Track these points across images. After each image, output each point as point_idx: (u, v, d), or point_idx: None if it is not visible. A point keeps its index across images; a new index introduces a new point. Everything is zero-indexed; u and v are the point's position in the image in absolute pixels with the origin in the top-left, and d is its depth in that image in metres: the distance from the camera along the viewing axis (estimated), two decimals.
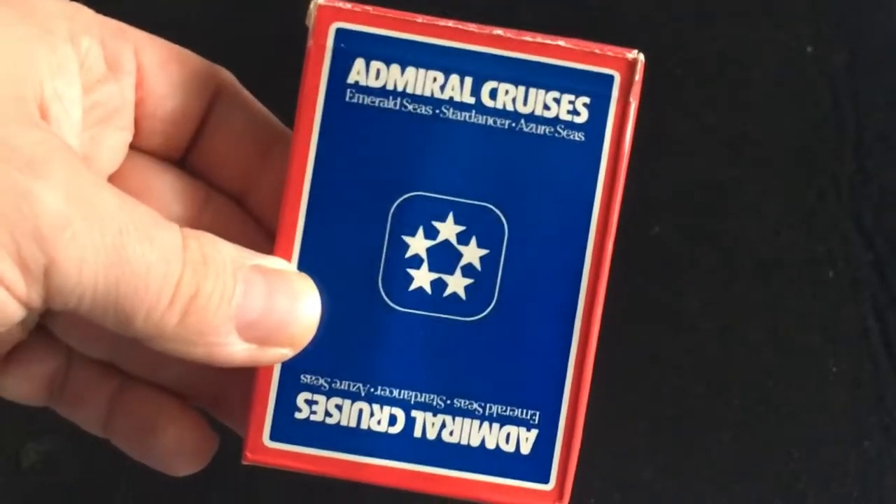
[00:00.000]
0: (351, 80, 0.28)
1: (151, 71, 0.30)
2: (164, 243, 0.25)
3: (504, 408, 0.29)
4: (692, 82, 0.47)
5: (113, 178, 0.30)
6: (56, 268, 0.24)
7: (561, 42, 0.29)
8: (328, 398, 0.29)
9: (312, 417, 0.29)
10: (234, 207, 0.32)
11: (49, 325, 0.31)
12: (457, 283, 0.29)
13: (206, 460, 0.31)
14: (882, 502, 0.45)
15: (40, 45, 0.27)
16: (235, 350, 0.27)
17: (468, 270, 0.29)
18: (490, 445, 0.29)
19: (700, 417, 0.45)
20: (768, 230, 0.46)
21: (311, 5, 0.29)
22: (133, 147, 0.31)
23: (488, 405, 0.29)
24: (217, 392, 0.32)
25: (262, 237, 0.31)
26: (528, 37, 0.29)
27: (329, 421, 0.29)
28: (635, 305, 0.46)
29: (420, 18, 0.28)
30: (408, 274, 0.29)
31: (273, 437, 0.29)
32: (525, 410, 0.29)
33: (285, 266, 0.28)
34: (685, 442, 0.45)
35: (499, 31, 0.29)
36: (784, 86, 0.47)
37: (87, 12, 0.29)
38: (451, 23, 0.28)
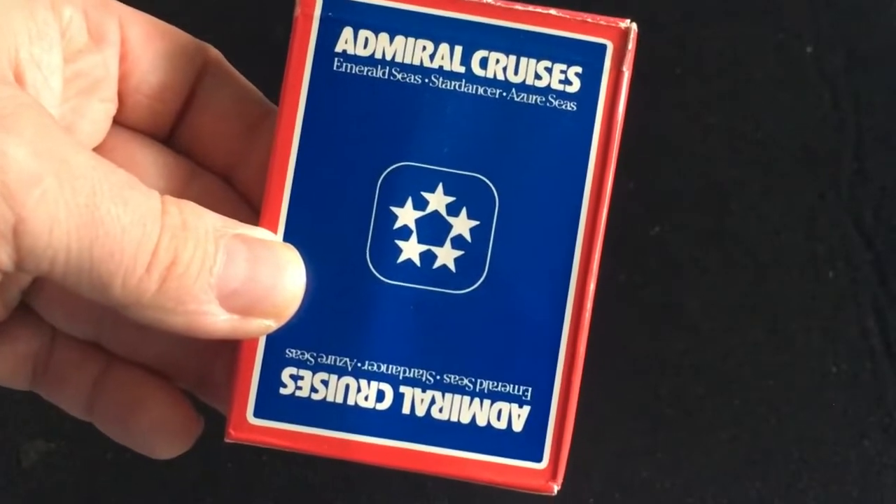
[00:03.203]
0: (339, 48, 0.28)
1: (136, 44, 0.29)
2: (140, 206, 0.25)
3: (495, 384, 0.28)
4: (692, 82, 0.47)
5: (96, 151, 0.30)
6: (25, 227, 0.23)
7: (553, 11, 0.28)
8: (314, 373, 0.28)
9: (298, 393, 0.28)
10: (221, 185, 0.31)
11: (32, 304, 0.31)
12: (446, 255, 0.28)
13: (190, 442, 0.31)
14: (882, 502, 0.45)
15: (19, 10, 0.26)
16: (217, 320, 0.26)
17: (458, 242, 0.28)
18: (481, 422, 0.28)
19: (700, 417, 0.45)
20: (768, 230, 0.46)
21: None
22: (118, 122, 0.30)
23: (479, 381, 0.28)
24: (202, 372, 0.31)
25: (249, 214, 0.30)
26: (519, 6, 0.28)
27: (315, 397, 0.28)
28: (635, 305, 0.46)
29: None
30: (396, 245, 0.28)
31: (257, 414, 0.28)
32: (517, 386, 0.28)
33: (270, 236, 0.28)
34: (685, 442, 0.45)
35: (489, 0, 0.28)
36: (784, 86, 0.47)
37: None
38: None
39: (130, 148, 0.30)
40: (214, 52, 0.31)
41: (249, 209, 0.31)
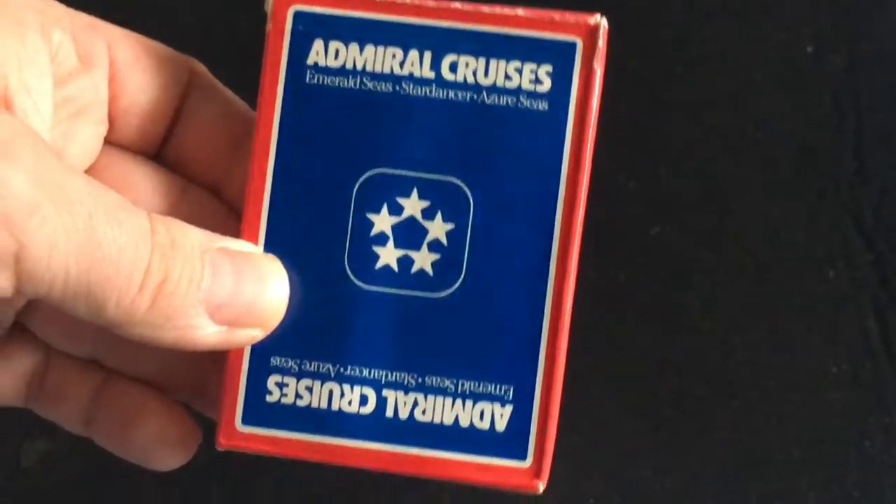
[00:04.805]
0: (310, 61, 0.28)
1: (124, 65, 0.30)
2: (132, 227, 0.25)
3: (476, 384, 0.29)
4: (692, 82, 0.47)
5: (88, 173, 0.30)
6: (26, 253, 0.24)
7: (520, 11, 0.28)
8: (298, 380, 0.29)
9: (283, 400, 0.29)
10: (211, 199, 0.32)
11: (26, 323, 0.31)
12: (423, 259, 0.29)
13: (190, 454, 0.31)
14: (882, 502, 0.45)
15: (9, 36, 0.27)
16: (206, 333, 0.27)
17: (434, 246, 0.29)
18: (464, 423, 0.29)
19: (700, 417, 0.45)
20: (768, 230, 0.46)
21: None
22: (108, 141, 0.31)
23: (460, 382, 0.29)
24: (198, 383, 0.32)
25: (238, 227, 0.31)
26: (486, 8, 0.28)
27: (300, 403, 0.29)
28: (635, 305, 0.46)
29: None
30: (374, 252, 0.29)
31: (245, 422, 0.29)
32: (498, 386, 0.29)
33: (252, 248, 0.28)
34: (685, 442, 0.45)
35: (457, 5, 0.28)
36: (784, 86, 0.47)
37: (58, 6, 0.29)
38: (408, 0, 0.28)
39: (122, 168, 0.31)
40: (199, 67, 0.31)
41: (238, 222, 0.31)
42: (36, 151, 0.25)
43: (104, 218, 0.25)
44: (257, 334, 0.28)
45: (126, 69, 0.30)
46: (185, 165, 0.32)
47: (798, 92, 0.47)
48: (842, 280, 0.46)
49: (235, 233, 0.29)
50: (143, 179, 0.31)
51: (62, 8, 0.29)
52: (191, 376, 0.32)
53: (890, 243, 0.46)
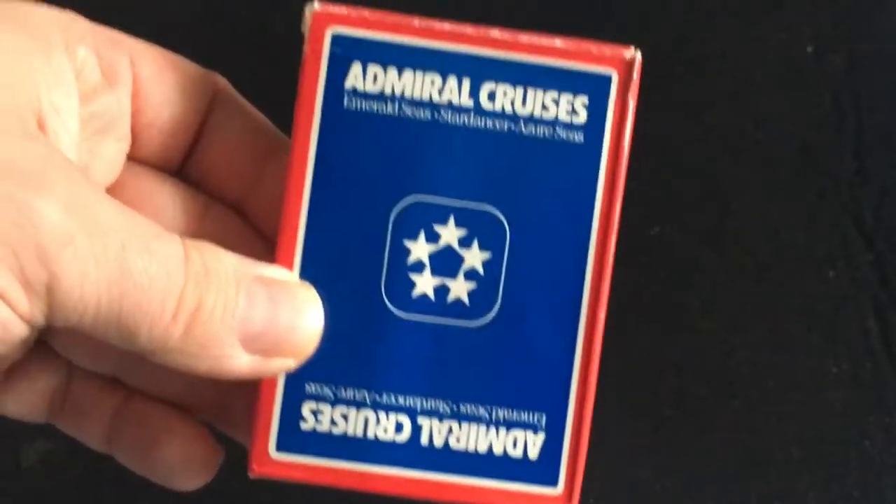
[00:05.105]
0: (348, 85, 0.28)
1: (148, 80, 0.30)
2: (166, 255, 0.25)
3: (510, 411, 0.29)
4: (692, 82, 0.47)
5: (111, 190, 0.30)
6: (58, 283, 0.24)
7: (558, 42, 0.28)
8: (333, 407, 0.29)
9: (318, 427, 0.29)
10: (233, 216, 0.31)
11: (49, 341, 0.31)
12: (460, 288, 0.29)
13: (212, 474, 0.31)
14: (882, 502, 0.45)
15: (37, 56, 0.27)
16: (240, 363, 0.27)
17: (471, 274, 0.29)
18: (497, 451, 0.29)
19: (700, 417, 0.45)
20: (768, 230, 0.46)
21: (307, 11, 0.28)
22: (131, 157, 0.31)
23: (494, 409, 0.29)
24: (220, 403, 0.31)
25: (262, 245, 0.31)
26: (524, 38, 0.28)
27: (335, 430, 0.29)
28: (635, 305, 0.46)
29: (416, 21, 0.28)
30: (410, 279, 0.29)
31: (279, 448, 0.29)
32: (531, 413, 0.29)
33: (288, 276, 0.28)
34: (685, 442, 0.45)
35: (496, 33, 0.28)
36: (784, 86, 0.47)
37: (82, 21, 0.29)
38: (447, 25, 0.28)
39: (145, 184, 0.31)
40: (223, 82, 0.31)
41: (262, 239, 0.31)
42: (69, 180, 0.25)
43: (136, 247, 0.25)
44: (291, 364, 0.28)
45: (149, 85, 0.29)
46: (207, 181, 0.31)
47: (798, 92, 0.47)
48: (842, 280, 0.46)
49: (258, 250, 0.29)
50: (166, 196, 0.31)
51: (85, 23, 0.29)
52: (214, 396, 0.31)
53: (890, 243, 0.46)
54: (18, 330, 0.25)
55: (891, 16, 0.47)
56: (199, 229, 0.31)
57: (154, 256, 0.25)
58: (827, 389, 0.46)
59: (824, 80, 0.47)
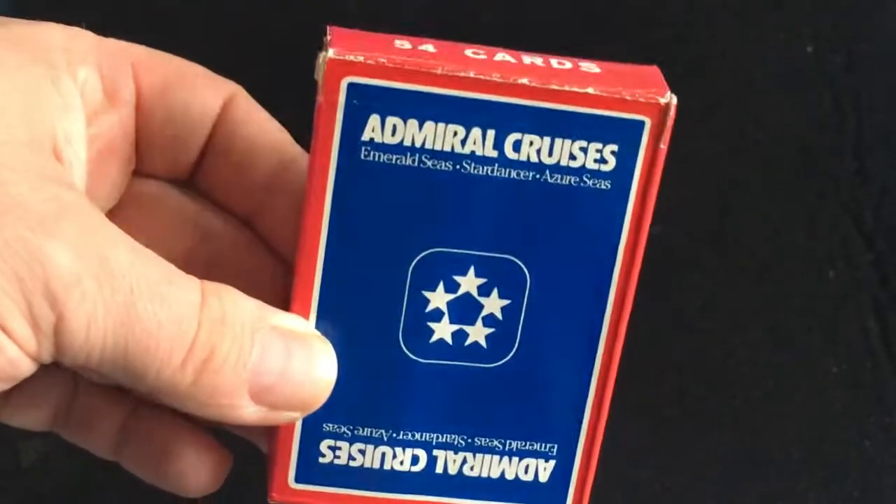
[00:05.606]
0: (366, 137, 0.27)
1: (151, 94, 0.29)
2: (178, 301, 0.25)
3: (524, 443, 0.29)
4: (693, 82, 0.47)
5: (116, 208, 0.30)
6: (64, 325, 0.24)
7: (590, 89, 0.27)
8: (351, 444, 0.29)
9: (336, 462, 0.29)
10: (243, 230, 0.31)
11: None
12: (478, 333, 0.28)
13: (221, 480, 0.31)
14: (882, 502, 0.45)
15: (45, 83, 0.26)
16: (248, 413, 0.26)
17: (489, 320, 0.28)
18: (509, 476, 0.29)
19: (700, 417, 0.45)
20: (768, 230, 0.46)
21: (320, 58, 0.26)
22: (137, 171, 0.30)
23: (508, 441, 0.29)
24: None
25: (272, 260, 0.30)
26: (554, 85, 0.27)
27: (353, 464, 0.29)
28: (635, 305, 0.46)
29: (439, 69, 0.26)
30: (428, 327, 0.28)
31: (298, 480, 0.29)
32: (544, 444, 0.29)
33: (304, 327, 0.28)
34: (685, 442, 0.45)
35: (524, 80, 0.27)
36: (784, 86, 0.47)
37: (84, 38, 0.28)
38: (472, 73, 0.26)
39: (150, 200, 0.30)
40: (237, 90, 0.30)
41: (272, 255, 0.31)
42: (81, 223, 0.25)
43: (147, 293, 0.25)
44: (298, 416, 0.28)
45: (153, 98, 0.29)
46: (217, 192, 0.31)
47: (798, 92, 0.47)
48: (842, 280, 0.46)
49: (267, 265, 0.29)
50: (172, 211, 0.30)
51: (87, 37, 0.28)
52: None
53: (890, 243, 0.46)
54: (26, 367, 0.25)
55: (891, 16, 0.47)
56: (208, 243, 0.30)
57: (165, 301, 0.25)
58: (827, 389, 0.46)
59: (824, 80, 0.47)
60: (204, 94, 0.30)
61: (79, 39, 0.28)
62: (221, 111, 0.30)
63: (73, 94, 0.27)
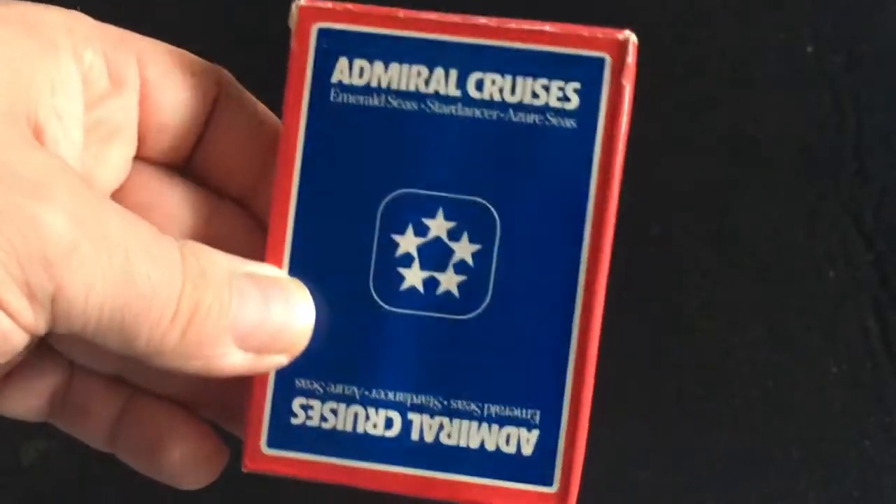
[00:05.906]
0: (335, 79, 0.28)
1: (155, 82, 0.29)
2: (165, 261, 0.25)
3: (503, 408, 0.28)
4: (692, 82, 0.47)
5: (117, 193, 0.30)
6: (63, 294, 0.24)
7: (547, 27, 0.28)
8: (323, 402, 0.29)
9: (308, 423, 0.29)
10: (240, 213, 0.31)
11: (50, 340, 0.31)
12: (449, 281, 0.28)
13: (217, 473, 0.31)
14: (882, 502, 0.45)
15: (42, 60, 0.26)
16: (233, 360, 0.27)
17: (461, 267, 0.28)
18: (490, 447, 0.28)
19: (700, 417, 0.45)
20: (768, 230, 0.46)
21: (293, 6, 0.28)
22: (136, 157, 0.30)
23: (486, 406, 0.28)
24: (224, 401, 0.31)
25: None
26: (512, 24, 0.28)
27: (325, 426, 0.29)
28: (635, 306, 0.46)
29: (401, 13, 0.28)
30: (399, 273, 0.28)
31: (270, 444, 0.29)
32: (525, 410, 0.28)
33: (277, 273, 0.28)
34: (685, 442, 0.45)
35: (483, 21, 0.28)
36: (784, 86, 0.47)
37: (88, 22, 0.28)
38: (433, 16, 0.28)
39: (151, 185, 0.30)
40: (227, 76, 0.31)
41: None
42: (71, 188, 0.24)
43: (140, 255, 0.25)
44: (283, 360, 0.28)
45: (157, 86, 0.29)
46: (213, 176, 0.31)
47: (798, 92, 0.47)
48: (842, 280, 0.46)
49: (264, 247, 0.29)
50: (173, 197, 0.30)
51: (93, 24, 0.29)
52: (217, 394, 0.31)
53: (890, 243, 0.46)
54: (19, 340, 0.25)
55: (891, 16, 0.47)
56: (207, 226, 0.30)
57: (156, 262, 0.25)
58: (827, 389, 0.46)
59: (824, 80, 0.47)
60: (203, 76, 0.30)
61: (85, 23, 0.28)
62: (217, 94, 0.30)
63: (72, 75, 0.27)
